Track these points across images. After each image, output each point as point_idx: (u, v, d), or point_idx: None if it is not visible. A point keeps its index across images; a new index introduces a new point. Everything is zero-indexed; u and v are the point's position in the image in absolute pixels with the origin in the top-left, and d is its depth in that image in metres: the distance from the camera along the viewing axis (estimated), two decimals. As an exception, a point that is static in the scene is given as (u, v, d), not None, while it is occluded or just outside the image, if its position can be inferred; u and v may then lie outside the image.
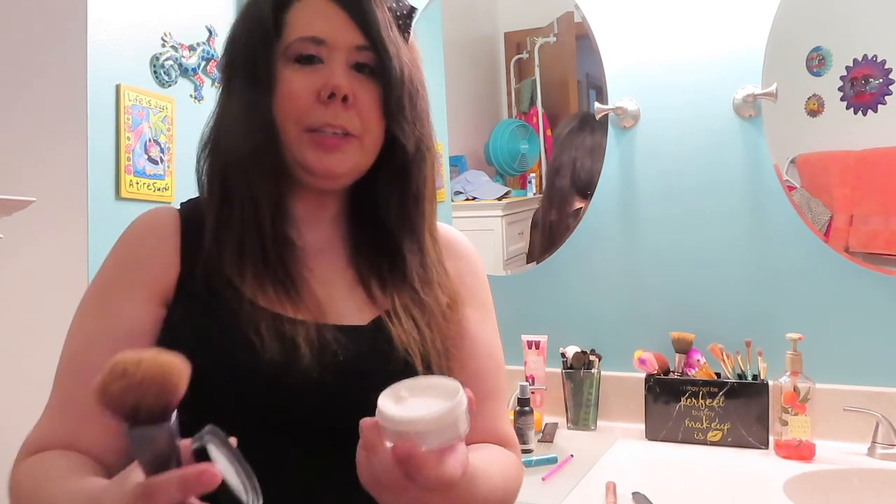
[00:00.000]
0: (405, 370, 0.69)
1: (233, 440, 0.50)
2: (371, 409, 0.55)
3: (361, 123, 0.73)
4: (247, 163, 0.72)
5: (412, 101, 0.76)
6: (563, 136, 1.81)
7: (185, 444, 0.47)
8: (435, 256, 0.79)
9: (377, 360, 0.70)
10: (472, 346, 0.79)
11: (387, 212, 0.77)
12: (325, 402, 0.67)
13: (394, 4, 0.76)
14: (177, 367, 0.46)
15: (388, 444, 0.54)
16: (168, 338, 0.69)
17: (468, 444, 0.59)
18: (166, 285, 0.72)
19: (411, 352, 0.71)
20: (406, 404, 0.55)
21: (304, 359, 0.66)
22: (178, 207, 0.79)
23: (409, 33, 0.78)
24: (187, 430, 0.48)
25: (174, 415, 0.46)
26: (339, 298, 0.75)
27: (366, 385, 0.60)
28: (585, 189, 1.75)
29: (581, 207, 1.75)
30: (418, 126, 0.77)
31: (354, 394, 0.62)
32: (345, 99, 0.71)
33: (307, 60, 0.72)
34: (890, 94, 1.46)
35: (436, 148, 0.81)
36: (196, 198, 0.78)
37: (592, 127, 1.75)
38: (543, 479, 1.29)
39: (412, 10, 0.79)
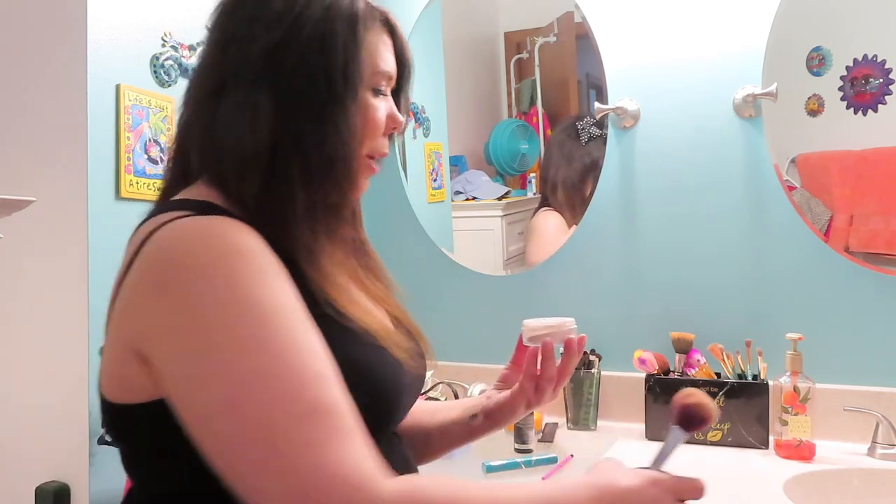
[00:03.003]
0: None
1: None
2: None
3: None
4: (335, 184, 0.71)
5: None
6: (560, 141, 1.81)
7: None
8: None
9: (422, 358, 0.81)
10: None
11: (360, 223, 0.85)
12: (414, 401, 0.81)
13: None
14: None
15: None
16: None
17: None
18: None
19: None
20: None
21: (416, 363, 0.75)
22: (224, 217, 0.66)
23: None
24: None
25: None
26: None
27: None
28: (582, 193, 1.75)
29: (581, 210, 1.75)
30: None
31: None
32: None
33: (378, 91, 0.76)
34: (890, 94, 1.46)
35: None
36: (213, 205, 0.68)
37: (589, 132, 1.76)
38: (543, 478, 1.29)
39: None
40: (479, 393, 1.56)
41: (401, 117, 0.77)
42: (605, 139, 1.73)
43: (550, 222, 1.81)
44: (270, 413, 0.55)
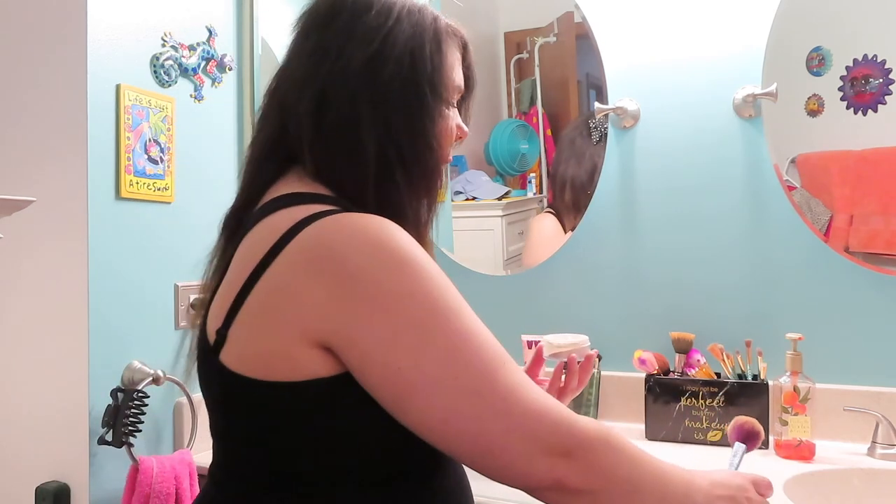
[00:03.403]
0: None
1: None
2: None
3: None
4: (429, 189, 0.79)
5: None
6: (571, 139, 1.81)
7: None
8: None
9: None
10: None
11: None
12: None
13: None
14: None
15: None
16: None
17: None
18: None
19: None
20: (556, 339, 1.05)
21: None
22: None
23: None
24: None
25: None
26: None
27: None
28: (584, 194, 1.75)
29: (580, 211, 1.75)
30: None
31: None
32: None
33: (451, 103, 0.82)
34: (890, 94, 1.46)
35: None
36: (344, 201, 0.74)
37: (591, 133, 1.75)
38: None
39: None
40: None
41: (465, 128, 0.84)
42: (606, 139, 1.73)
43: (545, 225, 1.81)
44: (489, 361, 0.65)
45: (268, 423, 0.69)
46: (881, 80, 1.47)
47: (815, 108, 1.53)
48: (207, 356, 0.72)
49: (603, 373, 1.66)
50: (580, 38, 1.77)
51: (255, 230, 0.71)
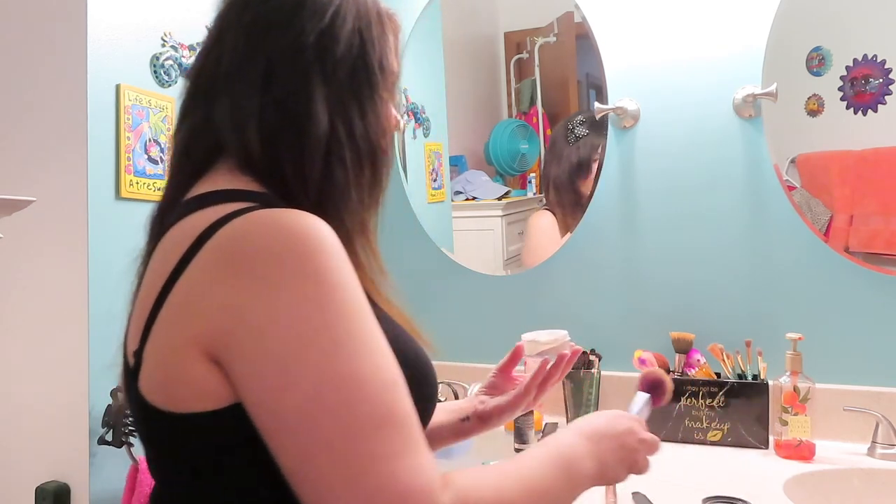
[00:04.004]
0: None
1: None
2: None
3: None
4: (377, 171, 0.74)
5: None
6: (553, 140, 1.82)
7: None
8: None
9: None
10: None
11: None
12: None
13: None
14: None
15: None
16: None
17: None
18: None
19: None
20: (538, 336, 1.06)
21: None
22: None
23: None
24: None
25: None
26: None
27: None
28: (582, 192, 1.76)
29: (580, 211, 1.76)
30: None
31: None
32: None
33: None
34: (890, 94, 1.46)
35: None
36: (267, 195, 0.66)
37: (568, 135, 1.77)
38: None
39: None
40: (478, 391, 1.56)
41: (399, 117, 0.80)
42: (602, 137, 1.73)
43: (542, 223, 1.82)
44: (354, 419, 0.54)
45: (189, 460, 0.61)
46: (881, 80, 1.47)
47: (815, 108, 1.53)
48: (128, 382, 0.64)
49: (603, 373, 1.66)
50: (580, 38, 1.77)
51: (168, 235, 0.63)
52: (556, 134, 1.81)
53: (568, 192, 1.78)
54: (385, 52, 0.74)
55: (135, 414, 0.65)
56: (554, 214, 1.81)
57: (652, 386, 0.91)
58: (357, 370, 0.55)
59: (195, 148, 0.71)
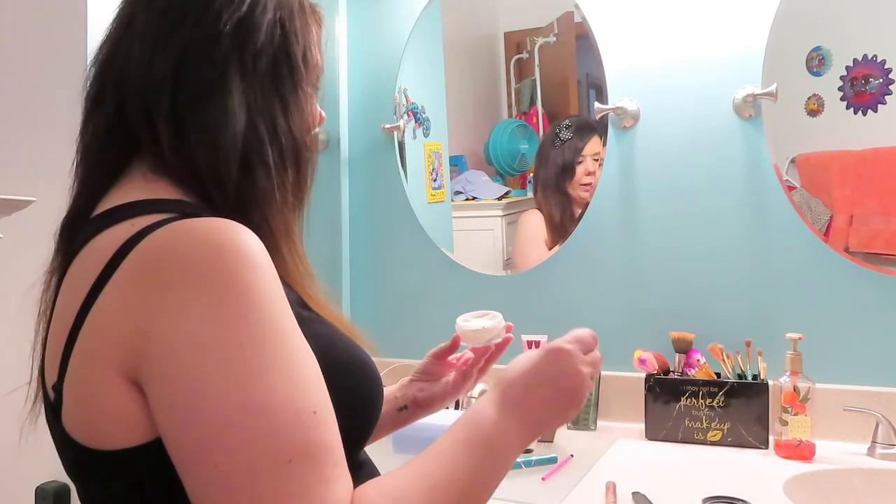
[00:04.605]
0: None
1: None
2: None
3: None
4: (301, 170, 0.70)
5: None
6: (542, 142, 1.84)
7: None
8: None
9: None
10: None
11: None
12: None
13: None
14: None
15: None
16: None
17: None
18: None
19: None
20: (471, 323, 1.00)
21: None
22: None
23: None
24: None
25: None
26: None
27: None
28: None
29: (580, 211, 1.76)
30: None
31: None
32: None
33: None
34: (890, 94, 1.46)
35: None
36: (187, 203, 0.62)
37: (555, 139, 1.79)
38: (543, 478, 1.29)
39: None
40: (480, 393, 1.56)
41: (323, 113, 0.76)
42: (585, 140, 1.74)
43: (531, 220, 1.83)
44: (258, 455, 0.50)
45: (122, 496, 0.57)
46: (881, 80, 1.47)
47: (815, 108, 1.53)
48: (49, 417, 0.61)
49: (603, 373, 1.66)
50: (580, 38, 1.77)
51: (80, 256, 0.59)
52: (545, 138, 1.82)
53: (554, 194, 1.79)
54: (309, 44, 0.69)
55: (60, 452, 0.61)
56: (542, 213, 1.82)
57: None
58: (268, 400, 0.51)
59: (107, 149, 0.68)
